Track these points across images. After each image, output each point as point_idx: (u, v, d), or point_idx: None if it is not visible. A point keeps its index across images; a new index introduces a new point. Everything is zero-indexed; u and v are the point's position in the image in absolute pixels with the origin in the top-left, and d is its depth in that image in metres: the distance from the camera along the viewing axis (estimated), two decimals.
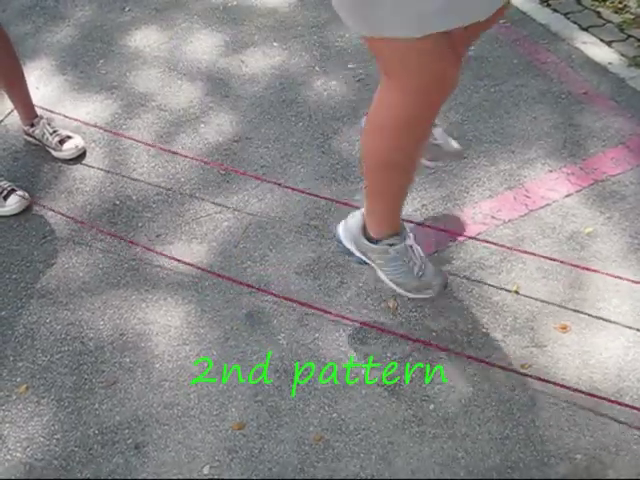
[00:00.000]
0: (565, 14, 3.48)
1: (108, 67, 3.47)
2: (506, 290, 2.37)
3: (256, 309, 2.40)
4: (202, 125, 3.11)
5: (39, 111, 3.06)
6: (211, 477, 2.02)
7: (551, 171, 2.74)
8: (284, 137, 3.01)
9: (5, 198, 2.78)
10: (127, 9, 3.84)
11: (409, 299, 2.34)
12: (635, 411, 2.02)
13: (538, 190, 2.67)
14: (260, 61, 3.40)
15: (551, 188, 2.67)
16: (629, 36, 3.32)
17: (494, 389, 2.13)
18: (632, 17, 3.41)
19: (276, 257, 2.56)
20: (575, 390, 2.08)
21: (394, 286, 2.25)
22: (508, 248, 2.46)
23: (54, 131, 3.00)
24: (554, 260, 2.41)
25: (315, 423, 2.10)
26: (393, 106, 1.81)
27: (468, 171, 2.77)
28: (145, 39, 3.62)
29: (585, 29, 3.38)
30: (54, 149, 3.00)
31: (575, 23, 3.43)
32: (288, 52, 3.43)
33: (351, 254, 2.28)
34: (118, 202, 2.82)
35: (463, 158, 2.66)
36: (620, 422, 2.02)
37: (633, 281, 2.33)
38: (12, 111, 3.13)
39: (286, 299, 2.39)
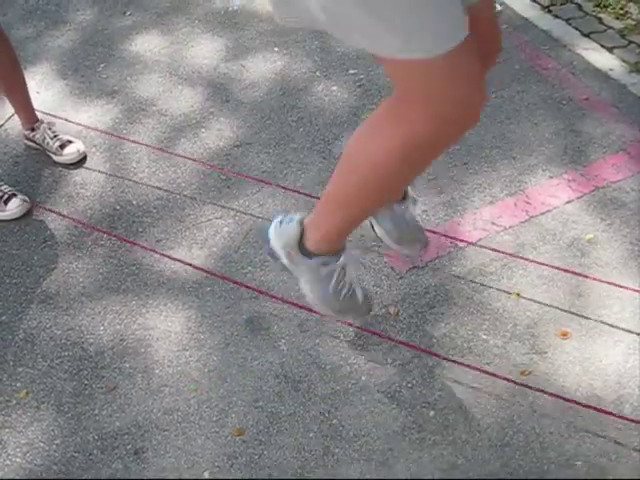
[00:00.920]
0: (567, 20, 3.48)
1: (109, 71, 3.48)
2: (507, 296, 2.37)
3: (256, 315, 2.40)
4: (203, 130, 3.11)
5: (40, 115, 3.06)
6: None
7: (552, 177, 2.74)
8: (285, 142, 3.01)
9: (6, 202, 2.78)
10: (128, 13, 3.85)
11: (407, 305, 2.35)
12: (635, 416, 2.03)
13: (539, 196, 2.67)
14: (261, 66, 3.40)
15: (552, 194, 2.67)
16: (630, 42, 3.32)
17: (494, 396, 2.13)
18: (634, 23, 3.41)
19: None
20: (574, 402, 2.07)
21: (317, 303, 2.08)
22: (509, 254, 2.46)
23: (55, 135, 3.00)
24: (555, 268, 2.41)
25: (315, 429, 2.10)
26: (402, 126, 1.59)
27: (468, 177, 2.77)
28: (146, 44, 3.63)
29: (586, 35, 3.38)
30: (55, 153, 3.00)
31: (577, 29, 3.43)
32: (289, 57, 3.43)
33: (275, 257, 2.09)
34: (118, 207, 2.82)
35: (424, 246, 2.38)
36: (620, 429, 2.02)
37: (633, 289, 2.32)
38: (12, 115, 3.13)
39: (287, 302, 2.39)
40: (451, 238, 2.55)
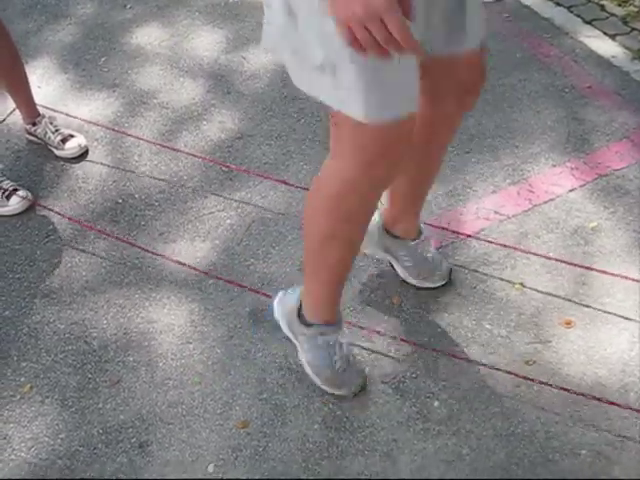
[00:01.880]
0: (568, 7, 3.46)
1: (110, 65, 3.47)
2: (510, 285, 2.36)
3: (260, 307, 2.39)
4: (204, 122, 3.11)
5: (41, 110, 3.05)
6: (216, 476, 2.02)
7: (555, 166, 2.73)
8: (286, 134, 3.00)
9: (8, 198, 2.78)
10: (128, 6, 3.83)
11: (411, 295, 2.34)
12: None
13: (542, 185, 2.66)
14: (262, 57, 3.39)
15: (555, 183, 2.66)
16: (633, 29, 3.30)
17: (498, 385, 2.12)
18: (636, 10, 3.39)
19: (279, 254, 2.55)
20: (579, 394, 2.07)
21: (309, 372, 2.15)
22: (512, 247, 2.45)
23: (56, 130, 2.99)
24: (558, 260, 2.40)
25: (319, 421, 2.10)
26: (337, 175, 1.73)
27: (471, 166, 2.76)
28: (146, 36, 3.62)
29: (589, 22, 3.37)
30: (56, 148, 3.00)
31: (579, 16, 3.41)
32: None
33: (279, 328, 2.21)
34: (121, 200, 2.82)
35: (447, 280, 2.40)
36: (625, 417, 2.01)
37: (637, 278, 2.32)
38: (14, 110, 3.13)
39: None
40: (454, 228, 2.55)
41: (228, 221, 2.69)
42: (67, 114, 3.18)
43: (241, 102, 3.18)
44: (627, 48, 3.19)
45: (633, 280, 2.31)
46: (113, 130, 3.10)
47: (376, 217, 2.26)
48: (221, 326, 2.36)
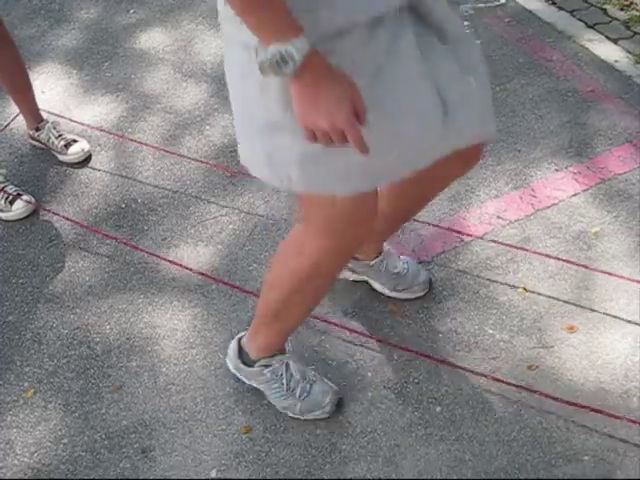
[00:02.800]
0: (571, 12, 3.46)
1: (113, 70, 3.48)
2: (513, 290, 2.36)
3: None
4: (207, 127, 3.11)
5: (44, 115, 3.06)
6: None
7: (557, 170, 2.73)
8: None
9: (11, 203, 2.79)
10: (132, 11, 3.84)
11: (413, 300, 2.35)
12: None
13: (544, 189, 2.66)
14: None
15: (557, 187, 2.66)
16: (635, 33, 3.30)
17: (501, 391, 2.12)
18: (638, 14, 3.39)
19: None
20: (580, 406, 2.06)
21: (281, 409, 2.13)
22: (515, 248, 2.45)
23: (60, 135, 3.00)
24: (561, 260, 2.40)
25: (322, 426, 2.10)
26: (303, 251, 1.81)
27: (474, 171, 2.73)
28: (150, 41, 3.62)
29: (591, 27, 3.37)
30: (60, 153, 3.00)
31: (581, 21, 3.41)
32: None
33: (243, 383, 2.18)
34: (124, 205, 2.82)
35: (428, 290, 2.40)
36: (628, 422, 2.01)
37: (637, 280, 2.32)
38: (17, 115, 3.14)
39: None
40: (457, 232, 2.55)
41: (231, 226, 2.69)
42: (70, 119, 3.19)
43: None
44: (629, 52, 3.19)
45: (636, 283, 2.31)
46: (116, 135, 3.11)
47: None
48: (224, 331, 2.36)
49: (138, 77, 3.42)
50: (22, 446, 2.16)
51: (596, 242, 2.47)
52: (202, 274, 2.52)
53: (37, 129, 3.02)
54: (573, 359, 2.17)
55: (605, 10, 3.46)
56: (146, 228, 2.73)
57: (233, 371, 2.17)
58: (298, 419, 2.11)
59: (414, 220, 2.50)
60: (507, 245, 2.47)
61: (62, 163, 3.02)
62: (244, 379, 2.15)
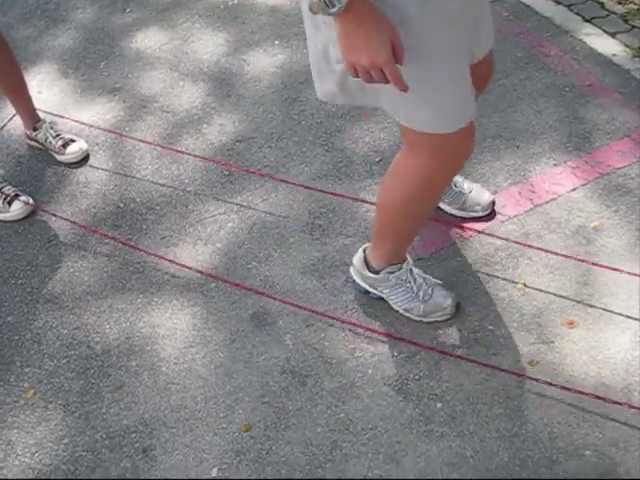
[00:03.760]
0: (568, 6, 3.45)
1: (110, 69, 3.47)
2: (513, 285, 2.36)
3: (262, 310, 2.39)
4: (205, 125, 3.11)
5: (42, 115, 3.06)
6: None
7: (556, 165, 2.72)
8: (287, 136, 3.00)
9: (9, 204, 2.78)
10: (128, 10, 3.84)
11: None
12: None
13: (543, 185, 2.66)
14: (262, 60, 3.39)
15: (556, 182, 2.66)
16: (633, 27, 3.29)
17: (502, 386, 2.12)
18: (636, 8, 3.38)
19: (281, 257, 2.55)
20: (582, 393, 2.06)
21: (404, 313, 2.29)
22: (514, 244, 2.45)
23: (57, 134, 3.00)
24: (560, 255, 2.40)
25: (323, 424, 2.10)
26: (411, 171, 1.96)
27: (472, 167, 2.75)
28: (146, 40, 3.62)
29: (589, 20, 3.36)
30: (57, 153, 3.00)
31: (578, 15, 3.40)
32: (290, 50, 3.42)
33: (367, 292, 2.34)
34: (122, 205, 2.82)
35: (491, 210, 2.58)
36: (629, 418, 2.01)
37: (637, 274, 2.31)
38: (14, 115, 3.13)
39: (287, 303, 2.39)
40: (456, 228, 2.54)
41: (230, 224, 2.69)
42: (68, 118, 3.18)
43: (241, 105, 3.18)
44: (627, 46, 3.18)
45: (636, 278, 2.30)
46: (114, 134, 3.10)
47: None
48: (223, 330, 2.36)
49: (135, 76, 3.41)
50: (23, 446, 2.16)
51: (595, 237, 2.47)
52: (201, 273, 2.52)
53: (34, 129, 3.01)
54: (573, 354, 2.17)
55: (602, 4, 3.45)
56: (145, 227, 2.72)
57: (358, 281, 2.34)
58: (420, 320, 2.28)
59: None
60: (506, 240, 2.47)
61: (60, 163, 3.01)
62: (368, 287, 2.32)
